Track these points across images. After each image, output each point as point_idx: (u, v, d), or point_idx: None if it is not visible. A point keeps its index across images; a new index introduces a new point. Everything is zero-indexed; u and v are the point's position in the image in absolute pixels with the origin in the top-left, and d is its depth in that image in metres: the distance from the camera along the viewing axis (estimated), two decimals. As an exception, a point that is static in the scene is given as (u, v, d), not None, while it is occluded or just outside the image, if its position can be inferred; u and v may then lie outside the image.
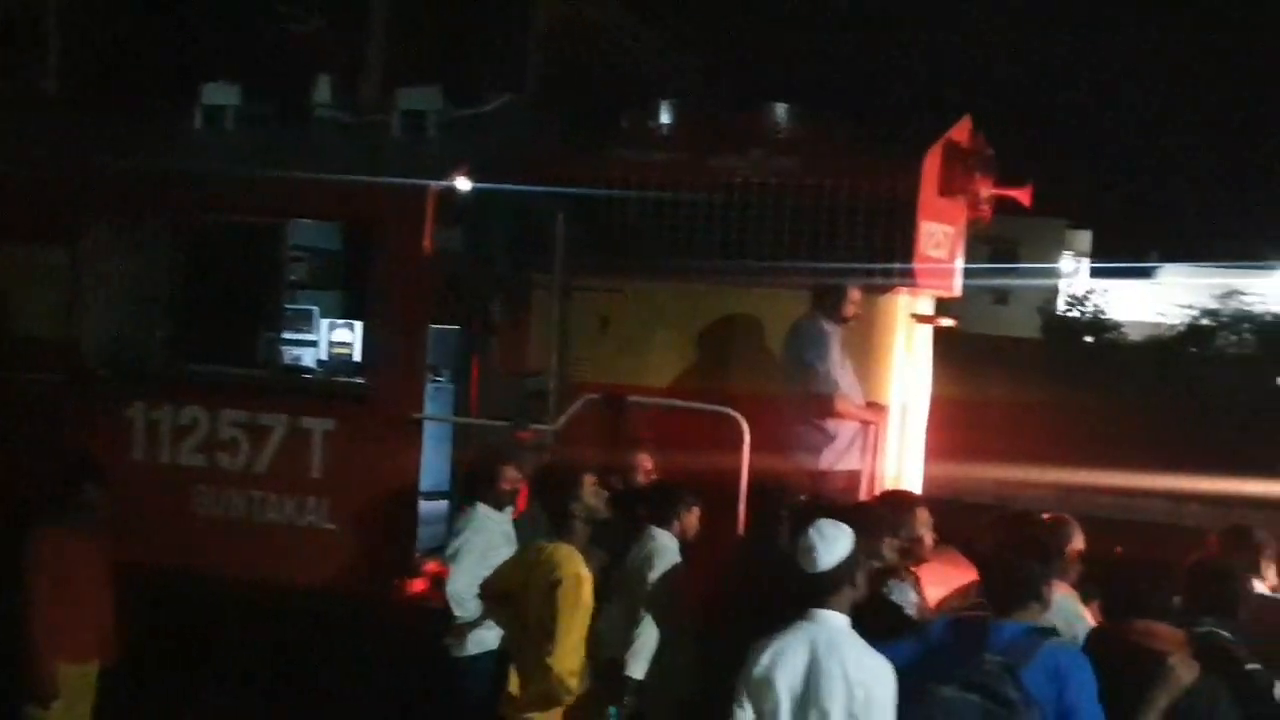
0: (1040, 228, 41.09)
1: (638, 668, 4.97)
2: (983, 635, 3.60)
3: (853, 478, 6.18)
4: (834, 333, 6.14)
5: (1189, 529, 5.35)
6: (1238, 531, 4.91)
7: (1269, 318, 32.19)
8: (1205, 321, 32.58)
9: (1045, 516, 5.00)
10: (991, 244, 35.15)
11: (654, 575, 5.09)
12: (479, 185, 6.38)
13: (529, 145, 6.81)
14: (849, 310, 6.18)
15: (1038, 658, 3.49)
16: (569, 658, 4.41)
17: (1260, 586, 4.65)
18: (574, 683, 4.43)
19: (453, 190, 6.35)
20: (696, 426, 6.05)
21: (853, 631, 3.72)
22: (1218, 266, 35.49)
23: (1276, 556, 4.92)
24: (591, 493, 4.74)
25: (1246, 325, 32.28)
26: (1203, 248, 39.69)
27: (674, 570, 5.13)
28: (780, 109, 6.87)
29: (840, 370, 6.13)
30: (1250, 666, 4.05)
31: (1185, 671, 3.55)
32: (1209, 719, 3.55)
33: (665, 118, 6.93)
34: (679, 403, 6.17)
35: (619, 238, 6.48)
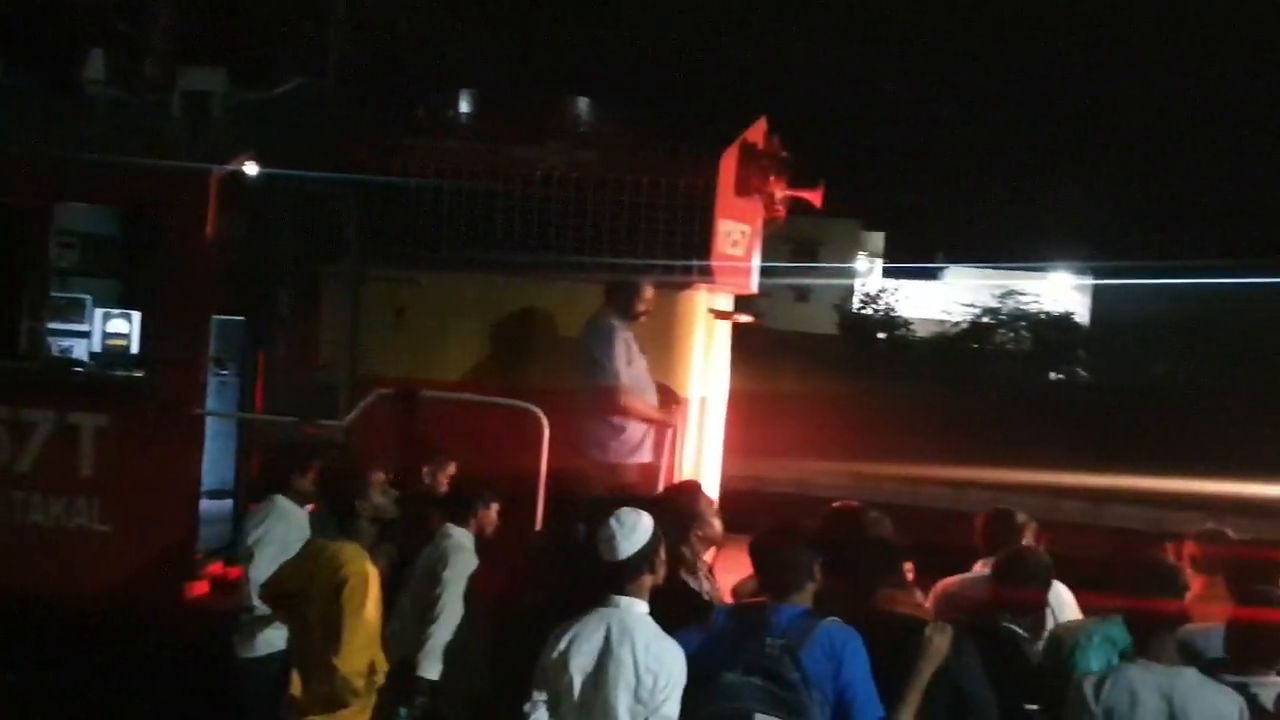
0: (837, 228, 42.75)
1: (431, 668, 4.86)
2: (762, 620, 3.70)
3: (647, 471, 6.22)
4: (624, 329, 6.17)
5: (966, 513, 5.61)
6: (1001, 514, 5.18)
7: (1043, 316, 34.37)
8: (986, 319, 34.51)
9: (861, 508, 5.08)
10: (792, 243, 36.36)
11: (449, 574, 4.99)
12: (266, 170, 6.13)
13: (321, 130, 6.58)
14: (640, 307, 6.20)
15: (815, 638, 3.61)
16: (354, 659, 4.27)
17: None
18: (359, 684, 4.29)
19: (238, 175, 6.08)
20: (495, 422, 5.98)
21: (648, 618, 3.79)
22: (997, 268, 37.72)
23: (1036, 536, 5.22)
24: (380, 491, 4.59)
25: (1023, 323, 34.37)
26: (984, 250, 42.08)
27: (469, 568, 5.04)
28: (581, 102, 6.86)
29: (631, 366, 6.16)
30: (1037, 663, 4.30)
31: (941, 639, 3.75)
32: (959, 679, 3.73)
33: (464, 107, 6.83)
34: (476, 397, 6.08)
35: (414, 228, 6.34)
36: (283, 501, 5.33)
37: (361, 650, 4.28)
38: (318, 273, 6.45)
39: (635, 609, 3.78)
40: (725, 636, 3.78)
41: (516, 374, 6.33)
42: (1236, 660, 3.85)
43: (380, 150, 6.43)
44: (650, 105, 7.36)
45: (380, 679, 4.46)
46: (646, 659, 3.66)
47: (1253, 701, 3.68)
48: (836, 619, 3.75)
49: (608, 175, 6.31)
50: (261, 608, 5.02)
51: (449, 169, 6.36)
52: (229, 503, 6.28)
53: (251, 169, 6.09)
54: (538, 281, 6.38)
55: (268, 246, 6.41)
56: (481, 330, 6.44)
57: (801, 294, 40.34)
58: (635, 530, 3.83)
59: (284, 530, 5.19)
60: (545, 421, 5.83)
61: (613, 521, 3.86)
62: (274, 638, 5.08)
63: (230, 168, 6.06)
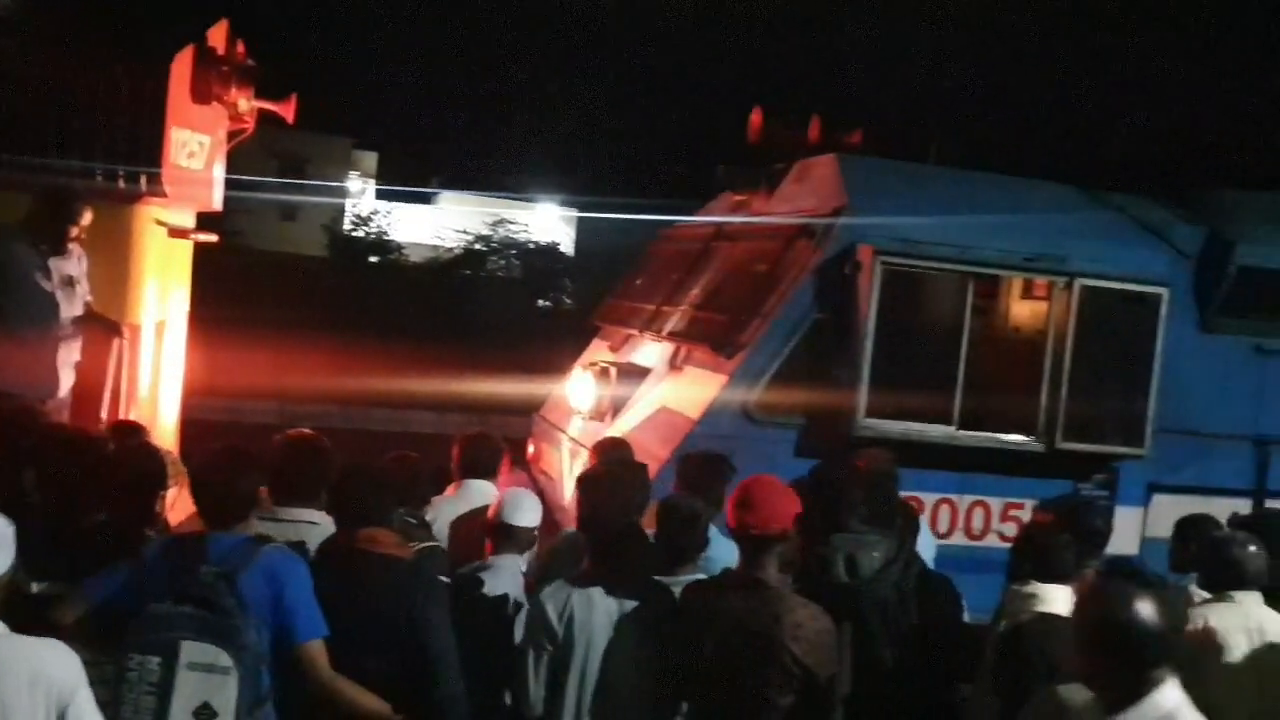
0: (328, 146, 41.58)
1: None
2: (199, 550, 3.55)
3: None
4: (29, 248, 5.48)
5: (449, 437, 5.64)
6: (480, 437, 5.28)
7: (531, 246, 35.87)
8: (478, 246, 35.35)
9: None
10: (278, 159, 34.80)
11: None
12: None
13: None
14: (71, 227, 5.52)
15: (256, 564, 3.52)
16: None
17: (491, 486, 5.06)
18: None
19: None
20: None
21: None
22: (489, 196, 38.75)
23: (507, 458, 5.41)
24: None
25: (513, 251, 35.64)
26: (477, 179, 43.06)
27: None
28: (1, -17, 5.98)
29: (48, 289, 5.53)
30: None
31: None
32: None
33: None
34: None
35: None
36: None
37: None
38: None
39: None
40: (159, 569, 3.58)
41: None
42: (667, 562, 4.23)
43: None
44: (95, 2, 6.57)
45: None
46: None
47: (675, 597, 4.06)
48: (280, 545, 3.67)
49: (33, 69, 5.57)
50: None
51: None
52: None
53: None
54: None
55: None
56: None
57: (289, 212, 38.82)
58: None
59: None
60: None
61: None
62: None
63: None
